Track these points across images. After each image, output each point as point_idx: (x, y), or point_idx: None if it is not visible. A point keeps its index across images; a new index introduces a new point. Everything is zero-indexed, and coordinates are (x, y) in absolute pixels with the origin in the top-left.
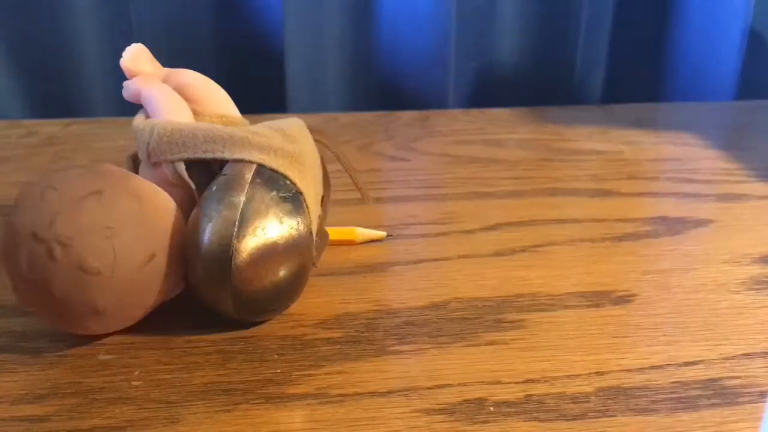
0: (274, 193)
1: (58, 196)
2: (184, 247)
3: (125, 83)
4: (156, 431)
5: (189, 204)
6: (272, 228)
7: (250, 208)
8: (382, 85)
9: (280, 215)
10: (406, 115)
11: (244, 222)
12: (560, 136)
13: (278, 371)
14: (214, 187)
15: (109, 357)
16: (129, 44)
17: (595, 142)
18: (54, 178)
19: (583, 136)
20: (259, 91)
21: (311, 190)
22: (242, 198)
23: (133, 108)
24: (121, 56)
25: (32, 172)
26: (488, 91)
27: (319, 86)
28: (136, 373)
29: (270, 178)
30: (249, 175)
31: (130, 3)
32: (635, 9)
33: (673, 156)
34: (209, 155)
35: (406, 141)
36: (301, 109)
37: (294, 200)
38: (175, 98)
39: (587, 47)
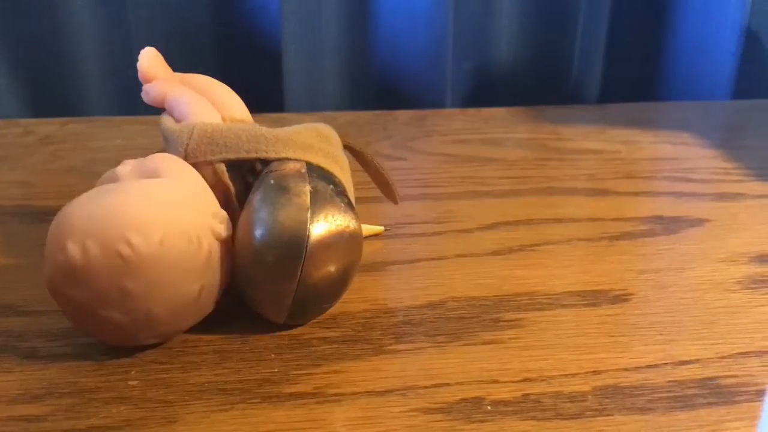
0: (331, 187)
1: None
2: (239, 242)
3: (146, 87)
4: (153, 431)
5: (223, 206)
6: (339, 217)
7: (318, 197)
8: (379, 84)
9: (343, 207)
10: (404, 115)
11: (316, 208)
12: (557, 136)
13: (275, 370)
14: (272, 180)
15: (106, 357)
16: (126, 43)
17: (592, 141)
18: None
19: (580, 136)
20: (256, 91)
21: (350, 189)
22: (308, 187)
23: (130, 108)
24: (118, 55)
25: (29, 172)
26: (485, 90)
27: (317, 85)
28: (133, 372)
29: (321, 175)
30: (303, 171)
31: (127, 2)
32: (632, 8)
33: (669, 155)
34: (253, 155)
35: (403, 140)
36: (298, 109)
37: (346, 196)
38: (204, 102)
39: (584, 46)
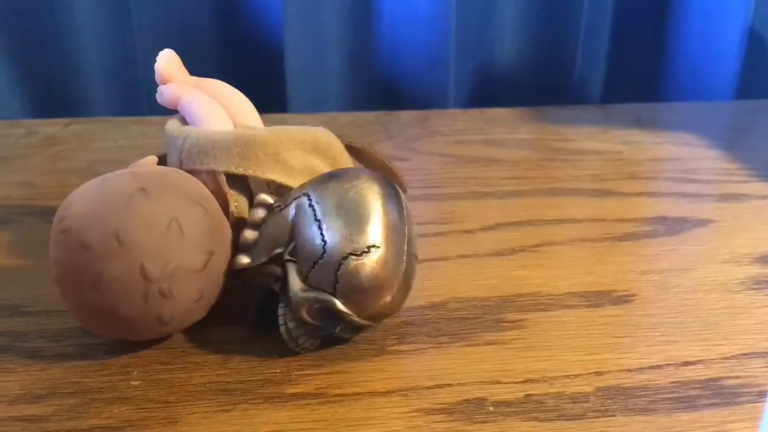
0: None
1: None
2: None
3: (161, 88)
4: (155, 431)
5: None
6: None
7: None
8: (381, 84)
9: None
10: (406, 115)
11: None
12: (560, 136)
13: (277, 371)
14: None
15: (108, 357)
16: (129, 44)
17: (595, 141)
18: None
19: (583, 136)
20: (258, 91)
21: None
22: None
23: (133, 108)
24: (120, 56)
25: (32, 173)
26: (488, 90)
27: (319, 86)
28: (135, 373)
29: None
30: None
31: (130, 3)
32: (635, 9)
33: (672, 156)
34: (241, 171)
35: (405, 141)
36: (300, 109)
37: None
38: (217, 107)
39: (587, 47)
